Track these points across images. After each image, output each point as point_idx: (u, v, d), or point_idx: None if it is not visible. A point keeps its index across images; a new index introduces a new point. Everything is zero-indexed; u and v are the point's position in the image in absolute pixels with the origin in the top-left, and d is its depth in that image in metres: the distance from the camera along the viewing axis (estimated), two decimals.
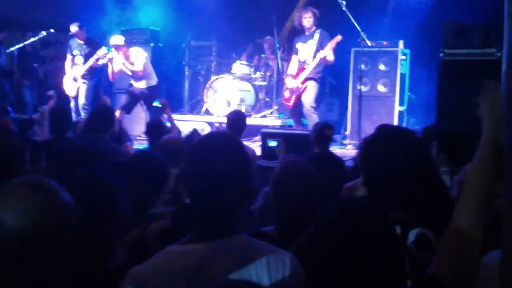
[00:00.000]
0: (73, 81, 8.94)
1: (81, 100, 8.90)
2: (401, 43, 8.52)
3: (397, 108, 8.40)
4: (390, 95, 8.44)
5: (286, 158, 3.10)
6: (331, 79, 10.30)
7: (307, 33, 8.14)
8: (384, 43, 8.54)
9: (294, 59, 8.30)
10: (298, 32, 8.28)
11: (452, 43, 6.41)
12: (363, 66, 8.15)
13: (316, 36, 8.05)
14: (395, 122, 8.26)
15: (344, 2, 7.80)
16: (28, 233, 1.47)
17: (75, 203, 1.63)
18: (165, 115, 6.74)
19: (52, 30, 9.42)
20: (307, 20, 8.04)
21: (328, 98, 10.44)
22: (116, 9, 11.22)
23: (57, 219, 1.53)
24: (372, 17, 8.72)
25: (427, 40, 8.53)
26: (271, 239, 2.31)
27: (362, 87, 8.13)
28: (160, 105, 6.44)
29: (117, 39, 8.43)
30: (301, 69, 8.11)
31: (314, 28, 8.08)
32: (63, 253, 1.55)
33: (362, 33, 7.85)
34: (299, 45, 8.22)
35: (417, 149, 1.95)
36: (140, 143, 7.55)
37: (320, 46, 7.97)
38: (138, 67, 8.38)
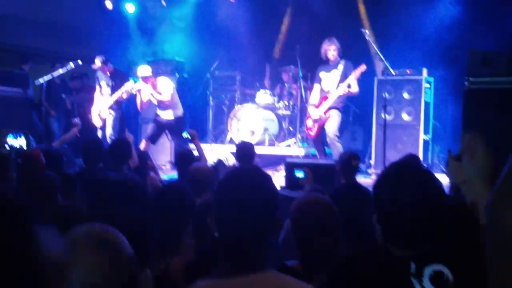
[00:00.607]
0: (100, 112, 9.07)
1: (109, 130, 9.01)
2: (425, 71, 8.53)
3: (422, 137, 8.37)
4: (414, 123, 8.42)
5: (314, 190, 3.10)
6: (355, 108, 10.30)
7: (331, 63, 8.15)
8: (408, 71, 8.55)
9: (316, 87, 8.30)
10: (323, 62, 8.28)
11: (477, 71, 6.39)
12: (386, 95, 8.13)
13: (340, 66, 8.05)
14: (420, 151, 8.23)
15: (367, 32, 7.82)
16: None
17: None
18: (193, 145, 6.78)
19: (79, 62, 9.58)
20: (332, 53, 8.05)
21: (352, 127, 10.43)
22: (142, 40, 11.43)
23: (125, 271, 1.53)
24: (395, 45, 8.74)
25: (451, 68, 8.52)
26: (296, 274, 2.31)
27: (386, 115, 8.09)
28: (189, 136, 6.50)
29: (144, 69, 8.56)
30: (323, 98, 8.10)
31: (338, 59, 8.10)
32: None
33: (385, 62, 7.86)
34: (322, 74, 8.22)
35: (428, 185, 1.93)
36: (165, 173, 7.61)
37: (345, 76, 7.97)
38: (166, 96, 8.48)
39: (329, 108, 8.04)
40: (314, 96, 8.33)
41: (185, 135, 7.42)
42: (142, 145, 8.52)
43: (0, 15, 10.95)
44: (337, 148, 7.87)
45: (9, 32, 11.25)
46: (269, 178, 1.85)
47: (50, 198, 3.24)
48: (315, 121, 8.16)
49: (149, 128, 8.99)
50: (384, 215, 1.95)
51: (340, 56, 8.14)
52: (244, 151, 5.84)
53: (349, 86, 7.91)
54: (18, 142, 3.04)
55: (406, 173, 1.96)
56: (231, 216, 1.74)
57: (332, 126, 8.00)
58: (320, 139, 8.26)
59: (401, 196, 1.89)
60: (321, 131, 8.16)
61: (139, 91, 8.65)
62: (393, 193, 1.91)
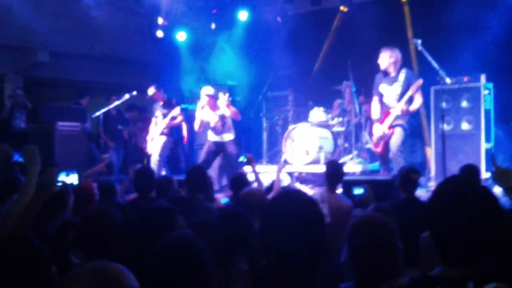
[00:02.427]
0: (153, 139, 9.29)
1: (155, 157, 9.18)
2: (483, 78, 8.25)
3: (484, 146, 8.07)
4: (475, 132, 8.14)
5: (378, 208, 2.99)
6: (412, 120, 10.06)
7: (391, 75, 7.82)
8: (465, 79, 8.29)
9: (376, 101, 7.98)
10: (383, 74, 7.92)
11: None
12: (444, 105, 7.88)
13: (402, 76, 7.73)
14: (482, 160, 7.93)
15: (419, 41, 7.58)
16: None
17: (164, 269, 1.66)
18: (249, 169, 6.77)
19: (134, 93, 9.82)
20: (392, 63, 7.76)
21: (410, 140, 10.18)
22: (194, 67, 11.60)
23: None
24: (450, 52, 8.50)
25: (511, 72, 8.22)
26: None
27: (445, 126, 7.83)
28: (245, 160, 6.50)
29: (208, 89, 8.86)
30: (386, 113, 7.81)
31: (399, 68, 7.78)
32: None
33: (440, 71, 7.62)
34: (383, 87, 7.89)
35: (484, 202, 1.85)
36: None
37: (407, 87, 7.65)
38: (228, 112, 8.64)
39: (394, 126, 7.76)
40: (375, 111, 8.00)
41: (242, 159, 7.45)
42: None
43: (57, 52, 11.36)
44: (398, 163, 7.60)
45: (66, 67, 11.67)
46: (314, 202, 1.81)
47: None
48: (380, 138, 7.92)
49: (202, 153, 9.06)
50: (438, 233, 1.88)
51: (401, 66, 7.82)
52: (334, 170, 5.62)
53: (411, 99, 7.65)
54: (70, 179, 3.07)
55: (461, 190, 1.89)
56: (276, 242, 1.71)
57: (395, 142, 7.74)
58: (386, 156, 7.97)
59: (455, 214, 1.82)
60: (387, 147, 7.90)
61: (197, 111, 8.87)
62: (447, 211, 1.85)
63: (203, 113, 8.84)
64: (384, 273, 2.44)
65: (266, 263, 1.79)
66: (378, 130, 7.89)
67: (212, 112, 8.74)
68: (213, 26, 11.56)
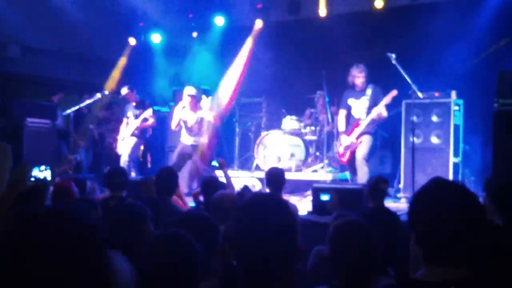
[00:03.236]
0: (123, 139, 9.24)
1: (124, 157, 9.15)
2: (453, 94, 8.41)
3: (452, 160, 8.22)
4: (444, 146, 8.29)
5: (340, 216, 3.04)
6: (382, 132, 10.19)
7: (358, 89, 8.23)
8: (436, 94, 8.44)
9: (342, 114, 8.38)
10: (350, 88, 8.34)
11: (507, 93, 6.28)
12: (415, 118, 8.03)
13: (369, 91, 8.18)
14: (450, 174, 8.08)
15: (393, 56, 7.73)
16: None
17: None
18: (221, 173, 6.76)
19: (106, 92, 9.74)
20: (360, 80, 8.17)
21: (380, 151, 10.30)
22: (167, 70, 11.55)
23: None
24: (422, 68, 8.64)
25: (481, 90, 8.39)
26: None
27: (415, 139, 7.96)
28: (217, 164, 6.50)
29: (191, 89, 8.91)
30: (355, 125, 8.19)
31: (365, 84, 8.20)
32: None
33: (413, 86, 7.76)
34: (351, 101, 8.30)
35: (467, 198, 1.88)
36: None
37: (374, 101, 8.10)
38: (209, 116, 8.78)
39: (361, 134, 8.14)
40: (341, 123, 8.41)
41: (214, 163, 7.45)
42: None
43: (30, 48, 11.19)
44: (363, 171, 7.95)
45: (37, 64, 11.48)
46: (286, 205, 1.82)
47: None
48: (346, 147, 8.26)
49: (174, 156, 9.03)
50: (423, 232, 1.89)
51: (368, 82, 8.20)
52: (275, 177, 5.75)
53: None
54: (43, 174, 3.05)
55: (444, 188, 1.92)
56: (249, 243, 1.71)
57: (362, 150, 8.10)
58: (353, 164, 8.27)
59: (439, 210, 1.85)
60: (353, 156, 8.22)
61: (176, 110, 8.94)
62: (431, 207, 1.87)
63: (183, 113, 8.88)
64: (362, 276, 2.47)
65: (237, 266, 1.78)
66: (346, 140, 8.23)
67: (192, 112, 8.79)
68: (194, 34, 11.55)
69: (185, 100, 8.87)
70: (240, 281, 1.74)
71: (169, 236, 2.24)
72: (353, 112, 8.29)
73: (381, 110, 8.01)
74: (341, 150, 8.37)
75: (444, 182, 1.96)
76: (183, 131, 8.97)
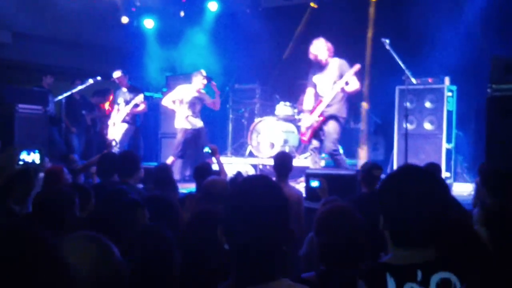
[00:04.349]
0: (114, 125, 9.16)
1: (117, 140, 9.03)
2: (447, 80, 8.40)
3: (445, 146, 8.23)
4: (437, 132, 8.29)
5: (329, 201, 3.04)
6: (376, 118, 10.19)
7: (323, 64, 7.64)
8: (430, 80, 8.42)
9: (309, 92, 7.83)
10: (313, 65, 7.77)
11: (500, 79, 6.26)
12: (408, 104, 7.99)
13: (333, 66, 7.60)
14: (443, 160, 8.09)
15: (387, 41, 7.63)
16: (81, 283, 1.51)
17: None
18: (213, 160, 6.72)
19: (99, 78, 9.68)
20: (322, 54, 7.56)
21: (373, 137, 10.30)
22: (161, 55, 11.48)
23: (110, 272, 1.61)
24: (416, 54, 8.61)
25: (475, 76, 8.37)
26: (311, 285, 2.28)
27: (408, 125, 7.93)
28: (210, 151, 6.46)
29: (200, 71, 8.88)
30: (318, 102, 7.67)
31: (330, 58, 7.63)
32: None
33: (406, 71, 7.71)
34: (316, 78, 7.75)
35: (433, 184, 1.94)
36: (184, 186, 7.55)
37: (339, 75, 7.51)
38: (210, 99, 8.81)
39: (327, 117, 7.60)
40: (306, 101, 7.86)
41: (206, 150, 7.39)
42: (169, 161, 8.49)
43: (21, 34, 11.09)
44: (339, 162, 7.57)
45: (29, 50, 11.40)
46: (278, 187, 1.82)
47: (67, 211, 3.20)
48: (308, 127, 7.75)
49: (179, 144, 8.81)
50: (390, 216, 1.95)
51: (332, 55, 7.64)
52: (282, 162, 5.68)
53: (346, 84, 7.43)
54: (31, 157, 3.02)
55: (411, 174, 1.98)
56: (241, 226, 1.71)
57: (328, 141, 7.60)
58: (319, 146, 7.82)
59: (405, 195, 1.90)
60: (314, 135, 7.74)
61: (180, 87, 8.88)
62: (397, 192, 1.93)
63: (188, 92, 8.78)
64: (349, 262, 2.47)
65: (230, 250, 1.77)
66: (307, 120, 7.75)
67: (196, 93, 8.72)
68: (182, 14, 11.44)
69: (200, 82, 8.75)
70: (233, 265, 1.72)
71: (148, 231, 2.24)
72: (318, 89, 7.72)
73: (343, 84, 7.39)
74: (302, 129, 7.89)
75: (412, 168, 2.04)
76: (184, 117, 8.78)
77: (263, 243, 1.69)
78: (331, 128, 7.58)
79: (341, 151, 7.97)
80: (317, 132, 7.72)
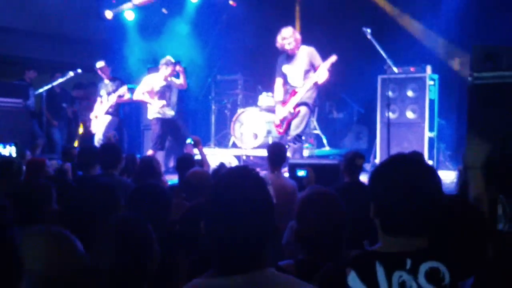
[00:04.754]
0: (97, 117, 9.07)
1: (98, 135, 8.93)
2: (428, 69, 8.43)
3: (427, 134, 8.28)
4: (419, 121, 8.33)
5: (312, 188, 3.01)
6: (359, 108, 10.22)
7: (291, 54, 7.52)
8: (411, 69, 8.45)
9: (278, 82, 7.72)
10: (284, 55, 7.61)
11: (481, 67, 6.29)
12: (390, 93, 8.02)
13: (302, 54, 7.47)
14: (425, 149, 8.14)
15: (368, 30, 7.59)
16: (37, 277, 1.55)
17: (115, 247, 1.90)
18: (196, 151, 6.69)
19: (79, 71, 9.58)
20: (289, 44, 7.41)
21: (356, 127, 10.34)
22: (142, 47, 11.39)
23: (69, 266, 1.64)
24: (398, 43, 8.63)
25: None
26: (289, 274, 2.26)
27: (391, 114, 7.95)
28: (192, 142, 6.42)
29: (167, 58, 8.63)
30: (292, 93, 7.57)
31: (298, 47, 7.49)
32: None
33: (388, 60, 7.71)
34: (285, 68, 7.63)
35: (423, 174, 1.94)
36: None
37: (309, 64, 7.43)
38: (180, 81, 8.63)
39: (298, 104, 7.52)
40: (277, 93, 7.75)
41: (189, 141, 7.35)
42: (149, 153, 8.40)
43: (1, 27, 10.95)
44: (293, 148, 7.46)
45: (10, 44, 11.25)
46: (261, 179, 1.81)
47: (45, 205, 3.17)
48: (283, 119, 7.67)
49: (157, 137, 8.54)
50: (380, 205, 1.94)
51: (300, 44, 7.52)
52: (275, 152, 5.61)
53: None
54: (7, 151, 3.00)
55: (401, 162, 1.98)
56: (223, 218, 1.69)
57: (296, 124, 7.53)
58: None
59: (395, 183, 1.90)
60: (289, 127, 7.67)
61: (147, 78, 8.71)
62: (387, 180, 1.93)
63: (155, 82, 8.53)
64: (329, 249, 2.45)
65: (210, 243, 1.75)
66: (282, 111, 7.67)
67: (164, 82, 8.51)
68: (164, 11, 11.34)
69: (168, 69, 8.49)
70: (215, 257, 1.71)
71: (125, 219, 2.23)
72: (289, 79, 7.59)
73: (318, 76, 7.29)
74: (276, 121, 7.80)
75: (401, 157, 2.02)
76: (157, 107, 8.53)
77: (246, 236, 1.67)
78: (301, 113, 7.53)
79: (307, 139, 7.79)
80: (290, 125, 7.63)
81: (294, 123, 7.55)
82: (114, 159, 4.89)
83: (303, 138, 7.97)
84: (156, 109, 8.48)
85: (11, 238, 1.24)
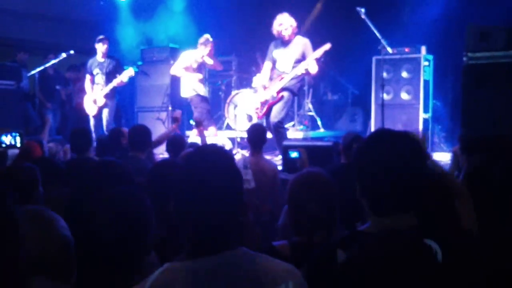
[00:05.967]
0: (95, 101, 8.89)
1: (105, 119, 8.85)
2: (423, 49, 8.40)
3: (422, 116, 8.27)
4: (414, 102, 8.32)
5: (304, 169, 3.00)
6: (353, 89, 10.19)
7: (285, 40, 7.48)
8: (406, 49, 8.42)
9: (267, 66, 7.67)
10: (278, 40, 7.57)
11: (475, 47, 6.27)
12: (385, 74, 8.00)
13: (296, 43, 7.44)
14: (420, 130, 8.13)
15: (363, 10, 7.52)
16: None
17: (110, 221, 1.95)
18: (195, 132, 6.64)
19: (72, 52, 9.50)
20: (286, 30, 7.38)
21: (351, 108, 10.32)
22: (135, 28, 11.30)
23: (55, 242, 1.67)
24: (392, 23, 8.58)
25: (451, 45, 8.38)
26: (282, 254, 2.31)
27: (385, 95, 7.94)
28: (194, 123, 6.39)
29: (206, 37, 8.41)
30: (279, 78, 7.48)
31: (293, 35, 7.47)
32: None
33: (382, 41, 7.66)
34: (277, 54, 7.57)
35: (407, 147, 1.88)
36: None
37: (301, 54, 7.38)
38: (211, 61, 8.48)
39: (282, 89, 7.46)
40: (264, 76, 7.68)
41: (191, 122, 7.32)
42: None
43: None
44: (280, 135, 7.37)
45: (2, 25, 11.15)
46: (230, 157, 1.81)
47: (30, 189, 3.16)
48: (264, 102, 7.59)
49: (196, 112, 8.30)
50: (366, 184, 1.89)
51: (296, 33, 7.51)
52: (255, 134, 5.60)
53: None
54: (9, 139, 2.99)
55: (385, 138, 1.92)
56: (192, 197, 1.68)
57: (277, 110, 7.45)
58: (269, 121, 7.63)
59: (380, 160, 1.85)
60: (270, 111, 7.59)
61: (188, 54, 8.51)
62: (372, 158, 1.87)
63: (193, 59, 8.37)
64: (322, 231, 2.45)
65: (180, 222, 1.74)
66: (263, 94, 7.60)
67: (201, 60, 8.39)
68: None
69: (205, 49, 8.32)
70: (185, 236, 1.71)
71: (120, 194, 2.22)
72: (277, 65, 7.53)
73: (309, 65, 7.23)
74: (257, 104, 7.73)
75: (385, 132, 1.97)
76: (194, 78, 8.35)
77: (215, 214, 1.67)
78: (283, 99, 7.45)
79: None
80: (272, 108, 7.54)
81: (276, 108, 7.46)
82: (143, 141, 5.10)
83: (286, 126, 7.85)
84: (193, 86, 8.34)
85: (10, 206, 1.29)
